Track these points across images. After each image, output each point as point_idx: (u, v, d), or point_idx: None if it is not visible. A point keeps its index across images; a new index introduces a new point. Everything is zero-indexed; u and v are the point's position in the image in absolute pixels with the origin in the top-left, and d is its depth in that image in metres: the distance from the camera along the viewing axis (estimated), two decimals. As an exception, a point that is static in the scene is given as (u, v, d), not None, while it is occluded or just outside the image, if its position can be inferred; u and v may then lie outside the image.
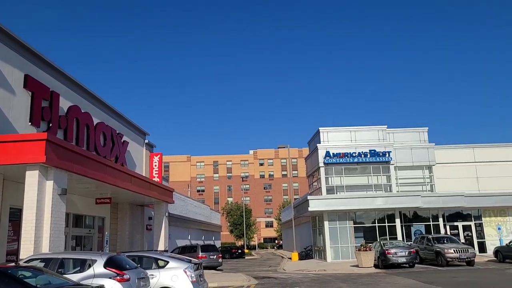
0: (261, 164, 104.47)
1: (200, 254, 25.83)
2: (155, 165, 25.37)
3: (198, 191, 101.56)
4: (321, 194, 29.64)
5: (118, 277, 8.80)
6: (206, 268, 23.48)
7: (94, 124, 18.62)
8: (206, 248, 27.52)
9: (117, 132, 21.18)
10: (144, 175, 23.16)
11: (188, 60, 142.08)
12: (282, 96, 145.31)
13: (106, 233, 19.01)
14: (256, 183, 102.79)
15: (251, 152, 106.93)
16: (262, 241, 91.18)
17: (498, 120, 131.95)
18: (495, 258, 24.90)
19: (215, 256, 26.97)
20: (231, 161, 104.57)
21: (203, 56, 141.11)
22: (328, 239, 28.78)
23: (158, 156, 25.68)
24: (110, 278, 8.72)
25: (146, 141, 25.52)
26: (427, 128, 31.20)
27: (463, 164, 30.72)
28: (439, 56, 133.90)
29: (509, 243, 24.82)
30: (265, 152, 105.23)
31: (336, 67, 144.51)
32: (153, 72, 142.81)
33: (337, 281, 17.24)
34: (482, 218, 30.04)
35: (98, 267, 8.91)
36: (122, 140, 21.64)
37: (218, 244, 50.49)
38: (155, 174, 25.16)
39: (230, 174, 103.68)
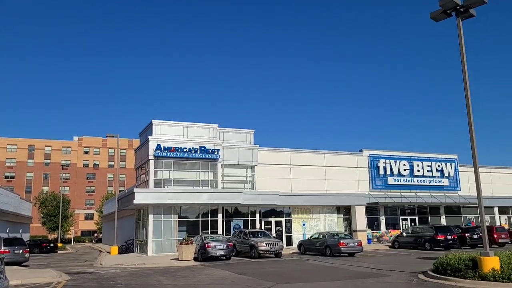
0: (86, 153, 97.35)
1: (3, 248, 23.07)
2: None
3: (7, 177, 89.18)
4: (148, 187, 29.25)
5: None
6: (9, 264, 20.88)
7: None
8: (11, 242, 24.75)
9: None
10: None
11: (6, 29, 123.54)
12: (116, 83, 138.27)
13: None
14: (79, 172, 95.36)
15: (75, 138, 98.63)
16: (80, 234, 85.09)
17: (311, 129, 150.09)
18: (299, 251, 28.33)
19: (21, 251, 24.39)
20: (50, 146, 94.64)
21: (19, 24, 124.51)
22: (151, 233, 28.57)
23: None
24: None
25: None
26: (254, 130, 33.71)
27: (281, 166, 34.10)
28: (266, 62, 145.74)
29: (311, 237, 28.55)
30: (91, 140, 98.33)
31: (174, 64, 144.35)
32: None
33: (156, 275, 17.27)
34: (292, 215, 33.83)
35: None
36: None
37: (26, 237, 45.25)
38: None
39: (49, 160, 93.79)
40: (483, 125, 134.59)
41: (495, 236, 30.86)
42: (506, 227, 37.82)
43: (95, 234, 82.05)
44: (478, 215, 15.95)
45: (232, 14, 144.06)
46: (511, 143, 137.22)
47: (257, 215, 31.84)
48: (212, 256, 23.12)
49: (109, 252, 32.71)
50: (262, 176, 32.85)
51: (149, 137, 29.73)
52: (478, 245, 28.62)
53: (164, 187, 29.53)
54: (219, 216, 30.31)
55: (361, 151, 38.11)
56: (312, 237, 28.10)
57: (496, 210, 42.73)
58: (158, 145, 29.30)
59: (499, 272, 12.81)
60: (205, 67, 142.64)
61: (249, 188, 32.24)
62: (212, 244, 23.33)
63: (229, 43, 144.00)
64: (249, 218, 31.58)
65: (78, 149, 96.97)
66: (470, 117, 14.88)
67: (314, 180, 34.95)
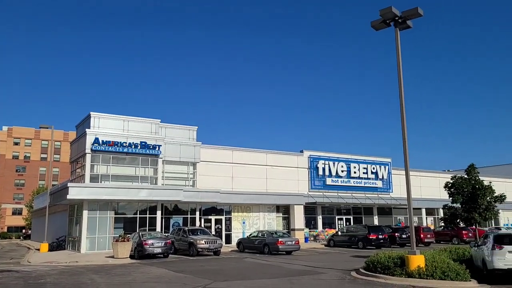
0: (16, 144, 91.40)
1: None
2: None
3: None
4: (84, 182, 28.06)
5: None
6: None
7: None
8: None
9: None
10: None
11: None
12: (54, 75, 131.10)
13: None
14: (7, 164, 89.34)
15: (4, 128, 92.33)
16: (6, 230, 79.80)
17: (254, 129, 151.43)
18: (238, 249, 28.48)
19: None
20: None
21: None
22: (85, 229, 27.42)
23: None
24: None
25: None
26: (197, 127, 33.40)
27: (223, 164, 34.06)
28: (208, 62, 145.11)
29: (250, 235, 28.80)
30: (23, 130, 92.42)
31: (118, 58, 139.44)
32: None
33: (89, 273, 16.62)
34: (232, 213, 33.92)
35: None
36: None
37: None
38: None
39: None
40: (415, 130, 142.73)
41: (422, 236, 32.87)
42: (432, 227, 40.41)
43: (24, 230, 77.30)
44: (407, 216, 16.87)
45: (177, 12, 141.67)
46: (440, 148, 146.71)
47: (197, 213, 31.59)
48: (149, 254, 22.63)
49: (39, 250, 30.98)
50: (204, 173, 32.64)
51: (87, 130, 28.52)
52: (407, 244, 30.32)
53: (101, 182, 28.45)
54: (158, 213, 29.73)
55: (301, 151, 39.01)
56: (251, 235, 28.37)
57: (423, 211, 45.48)
58: (96, 139, 28.19)
59: (424, 269, 13.67)
60: (151, 64, 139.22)
61: (190, 186, 31.92)
62: (150, 241, 22.85)
63: (175, 42, 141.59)
64: (189, 216, 31.26)
65: (7, 139, 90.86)
66: (403, 124, 15.73)
67: (255, 179, 35.28)
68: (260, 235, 27.42)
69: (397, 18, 15.45)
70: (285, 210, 36.75)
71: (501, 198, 27.23)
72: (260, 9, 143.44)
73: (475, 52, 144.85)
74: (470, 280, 13.44)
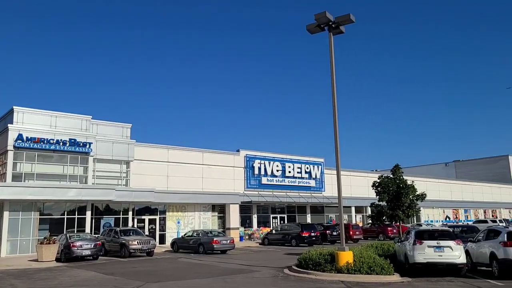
0: None
1: None
2: None
3: None
4: (5, 181, 26.15)
5: None
6: None
7: None
8: None
9: None
10: None
11: None
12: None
13: None
14: None
15: None
16: None
17: (193, 125, 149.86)
18: (172, 249, 28.05)
19: None
20: None
21: None
22: (6, 232, 25.55)
23: None
24: None
25: None
26: (131, 124, 32.39)
27: (158, 163, 33.33)
28: (140, 62, 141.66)
29: (184, 235, 28.49)
30: None
31: (49, 50, 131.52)
32: None
33: (9, 278, 15.55)
34: (167, 213, 33.31)
35: None
36: None
37: None
38: None
39: None
40: (347, 131, 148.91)
41: (351, 233, 34.41)
42: (361, 225, 42.42)
43: None
44: (338, 214, 17.55)
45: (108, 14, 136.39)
46: (370, 149, 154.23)
47: (130, 213, 30.64)
48: (77, 256, 21.62)
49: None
50: (138, 172, 31.74)
51: (9, 125, 26.59)
52: (337, 241, 31.53)
53: (25, 181, 26.69)
54: (88, 213, 28.42)
55: (238, 151, 39.22)
56: (186, 235, 28.08)
57: (353, 209, 47.57)
58: (20, 135, 26.39)
59: (352, 265, 14.34)
60: (87, 62, 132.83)
61: (123, 185, 30.88)
62: (78, 243, 21.83)
63: (111, 40, 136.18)
64: (121, 216, 30.23)
65: None
66: (335, 125, 16.37)
67: (191, 178, 34.90)
68: (195, 234, 27.22)
69: (330, 23, 16.06)
70: (220, 209, 36.75)
71: (422, 197, 29.14)
72: (202, 7, 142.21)
73: (405, 55, 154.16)
74: (393, 274, 14.30)
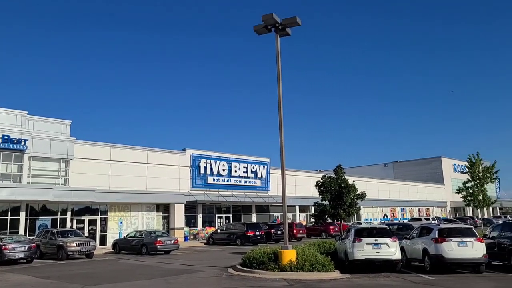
0: None
1: None
2: None
3: None
4: None
5: None
6: None
7: None
8: None
9: None
10: None
11: None
12: None
13: None
14: None
15: None
16: None
17: (138, 124, 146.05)
18: (113, 250, 27.19)
19: None
20: None
21: None
22: None
23: None
24: None
25: None
26: (71, 121, 30.99)
27: (100, 161, 32.14)
28: (92, 62, 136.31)
29: (127, 236, 27.72)
30: None
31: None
32: None
33: None
34: (108, 213, 32.20)
35: None
36: None
37: None
38: None
39: None
40: (294, 131, 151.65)
41: (295, 231, 35.10)
42: (304, 223, 43.38)
43: None
44: (282, 213, 17.83)
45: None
46: (313, 149, 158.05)
47: (69, 213, 29.29)
48: (9, 260, 20.37)
49: None
50: (78, 171, 30.42)
51: None
52: (281, 240, 31.94)
53: (-50, 180, 24.76)
54: (22, 214, 26.85)
55: (184, 150, 38.73)
56: (129, 236, 27.34)
57: (297, 208, 48.53)
58: None
59: (295, 263, 14.64)
60: (18, 59, 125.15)
61: (62, 184, 29.48)
62: (11, 245, 20.60)
63: (54, 38, 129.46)
64: (59, 217, 28.84)
65: None
66: (281, 125, 16.63)
67: (135, 177, 33.97)
68: (138, 235, 26.58)
69: (277, 25, 16.30)
70: (165, 209, 36.10)
71: (362, 196, 30.31)
72: (144, 6, 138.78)
73: (343, 60, 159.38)
74: (334, 271, 14.77)
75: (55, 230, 24.39)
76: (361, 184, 43.15)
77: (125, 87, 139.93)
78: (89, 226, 30.80)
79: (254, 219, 42.41)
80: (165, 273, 15.87)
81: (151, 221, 34.94)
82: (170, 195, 35.14)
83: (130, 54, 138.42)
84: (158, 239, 24.99)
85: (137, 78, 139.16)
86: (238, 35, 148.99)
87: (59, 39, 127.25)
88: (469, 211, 70.72)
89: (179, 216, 35.92)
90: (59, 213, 28.88)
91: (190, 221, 38.13)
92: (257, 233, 31.31)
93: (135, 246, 25.83)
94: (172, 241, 25.80)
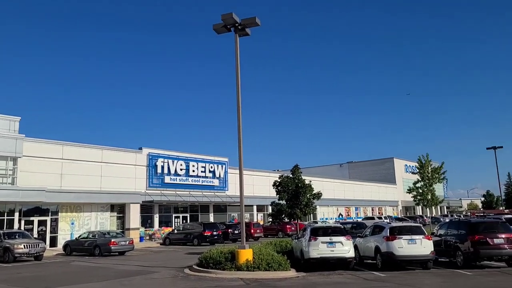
0: None
1: None
2: None
3: None
4: None
5: None
6: None
7: None
8: None
9: None
10: None
11: None
12: None
13: None
14: None
15: None
16: None
17: (93, 123, 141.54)
18: (64, 252, 26.24)
19: None
20: None
21: None
22: None
23: None
24: None
25: None
26: (20, 118, 29.55)
27: (51, 160, 30.85)
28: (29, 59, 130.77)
29: (79, 237, 26.83)
30: None
31: None
32: None
33: None
34: (59, 213, 30.99)
35: None
36: None
37: None
38: None
39: None
40: (252, 132, 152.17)
41: (252, 231, 35.27)
42: (262, 223, 43.63)
43: None
44: (240, 212, 17.88)
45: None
46: (272, 149, 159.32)
47: (16, 214, 27.96)
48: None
49: None
50: (28, 170, 29.05)
51: None
52: (238, 240, 32.05)
53: None
54: (-35, 215, 25.39)
55: (140, 149, 37.91)
56: (81, 237, 26.48)
57: (255, 208, 48.75)
58: None
59: (252, 262, 14.71)
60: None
61: (9, 183, 28.07)
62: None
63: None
64: (5, 217, 27.45)
65: None
66: (239, 125, 16.66)
67: (88, 176, 32.86)
68: (90, 236, 25.80)
69: (237, 25, 16.31)
70: (120, 209, 35.21)
71: (318, 195, 30.86)
72: (98, 3, 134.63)
73: (302, 61, 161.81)
74: (290, 270, 14.97)
75: (1, 231, 23.21)
76: (318, 184, 43.96)
77: (89, 87, 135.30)
78: (38, 227, 29.52)
79: (212, 219, 42.20)
80: (119, 275, 15.48)
81: (105, 222, 33.99)
82: (125, 195, 34.31)
83: (87, 52, 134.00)
84: (112, 240, 24.36)
85: (98, 78, 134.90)
86: (196, 34, 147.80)
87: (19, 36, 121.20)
88: (419, 210, 73.79)
89: (134, 216, 35.15)
90: (5, 213, 27.51)
91: (146, 222, 37.42)
92: (215, 233, 31.19)
93: (88, 247, 25.06)
94: (127, 242, 25.23)
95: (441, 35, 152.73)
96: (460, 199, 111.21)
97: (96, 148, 34.25)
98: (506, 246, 14.81)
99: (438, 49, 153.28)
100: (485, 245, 14.80)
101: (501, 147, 50.98)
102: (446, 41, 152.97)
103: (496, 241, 14.88)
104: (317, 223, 37.81)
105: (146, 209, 37.31)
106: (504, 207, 73.67)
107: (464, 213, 78.83)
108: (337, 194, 61.15)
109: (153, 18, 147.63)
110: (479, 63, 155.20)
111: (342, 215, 61.12)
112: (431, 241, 15.37)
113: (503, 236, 15.03)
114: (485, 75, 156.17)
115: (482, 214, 34.49)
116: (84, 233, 27.38)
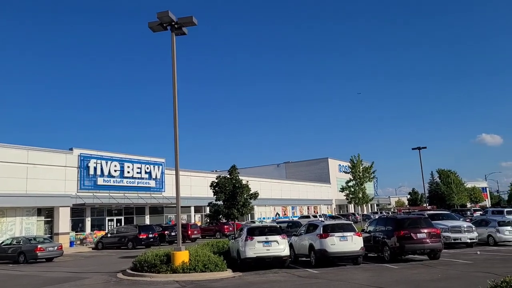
0: None
1: None
2: None
3: None
4: None
5: None
6: None
7: None
8: None
9: None
10: None
11: None
12: None
13: None
14: None
15: None
16: None
17: (19, 123, 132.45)
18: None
19: None
20: None
21: None
22: None
23: None
24: None
25: None
26: None
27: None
28: None
29: (1, 243, 25.03)
30: None
31: None
32: None
33: None
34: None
35: None
36: None
37: None
38: None
39: None
40: (189, 130, 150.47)
41: (189, 232, 34.91)
42: (199, 224, 43.28)
43: None
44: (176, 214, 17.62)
45: None
46: (209, 148, 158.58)
47: None
48: None
49: None
50: None
51: None
52: (175, 241, 31.54)
53: None
54: None
55: (71, 149, 36.08)
56: (3, 244, 24.72)
57: (192, 209, 48.25)
58: None
59: (188, 264, 14.55)
60: None
61: None
62: None
63: None
64: None
65: None
66: (176, 125, 16.42)
67: (12, 178, 30.73)
68: (15, 242, 24.17)
69: (173, 23, 16.06)
70: (48, 213, 33.30)
71: (255, 195, 31.18)
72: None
73: (243, 60, 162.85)
74: (226, 270, 15.00)
75: None
76: (255, 184, 44.47)
77: (25, 86, 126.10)
78: (-46, 234, 27.16)
79: (147, 221, 41.17)
80: (46, 283, 14.65)
81: (31, 227, 32.01)
82: (54, 198, 32.53)
83: (15, 46, 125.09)
84: (39, 246, 23.00)
85: (29, 73, 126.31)
86: (129, 29, 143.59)
87: None
88: (351, 208, 77.00)
89: (64, 220, 33.41)
90: None
91: (77, 225, 35.72)
92: (150, 235, 30.49)
93: (12, 254, 23.47)
94: (55, 248, 23.94)
95: (371, 41, 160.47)
96: (389, 197, 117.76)
97: (20, 149, 32.15)
98: (428, 240, 15.90)
99: (362, 56, 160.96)
100: (409, 240, 15.79)
101: (425, 147, 54.54)
102: (374, 49, 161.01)
103: (419, 236, 15.92)
104: (255, 223, 38.22)
105: (77, 212, 35.62)
106: (427, 204, 79.09)
107: (392, 210, 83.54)
108: (274, 194, 62.16)
109: (90, 8, 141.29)
110: (407, 70, 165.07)
111: (279, 215, 62.21)
112: (361, 237, 16.10)
113: (425, 231, 16.12)
114: (415, 82, 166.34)
115: (407, 210, 36.75)
116: (8, 239, 25.61)
